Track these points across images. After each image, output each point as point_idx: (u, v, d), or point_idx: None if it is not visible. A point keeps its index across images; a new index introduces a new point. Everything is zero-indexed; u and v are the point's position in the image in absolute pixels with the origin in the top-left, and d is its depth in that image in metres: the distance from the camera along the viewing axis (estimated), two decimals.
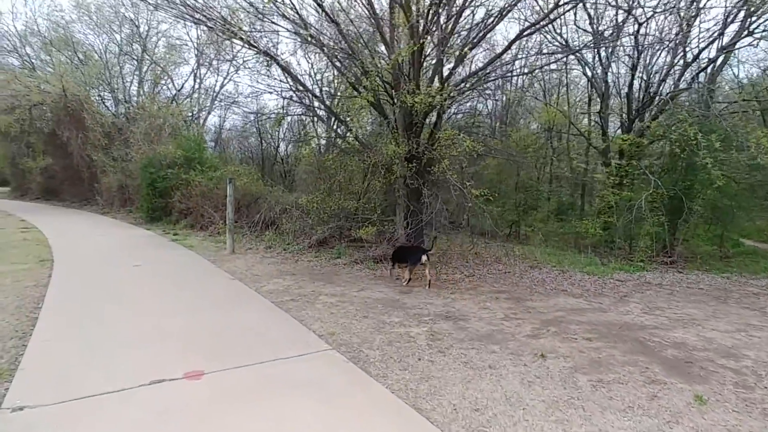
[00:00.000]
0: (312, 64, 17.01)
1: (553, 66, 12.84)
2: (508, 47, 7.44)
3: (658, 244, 8.77)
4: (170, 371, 3.36)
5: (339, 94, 10.15)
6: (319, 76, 17.04)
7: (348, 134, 9.17)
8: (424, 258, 6.33)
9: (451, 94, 6.64)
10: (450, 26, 7.71)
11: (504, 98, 16.11)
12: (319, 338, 4.23)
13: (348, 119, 9.47)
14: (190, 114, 21.36)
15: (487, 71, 7.77)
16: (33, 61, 22.04)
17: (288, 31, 7.86)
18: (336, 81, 13.70)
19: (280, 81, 11.24)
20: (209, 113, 22.78)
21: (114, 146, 17.07)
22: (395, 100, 7.92)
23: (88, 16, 20.94)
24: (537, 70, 11.17)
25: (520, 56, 11.06)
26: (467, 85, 7.05)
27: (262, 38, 9.38)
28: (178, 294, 5.75)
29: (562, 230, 10.85)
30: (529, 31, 7.27)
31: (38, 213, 16.68)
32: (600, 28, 11.45)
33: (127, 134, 16.87)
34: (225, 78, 22.03)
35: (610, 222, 9.12)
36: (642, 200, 8.54)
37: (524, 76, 14.05)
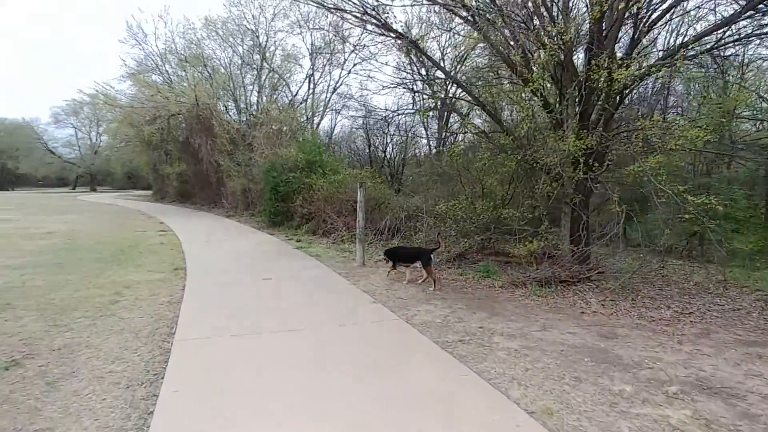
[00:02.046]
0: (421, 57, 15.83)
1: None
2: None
3: None
4: None
5: (481, 78, 8.68)
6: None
7: (499, 130, 7.70)
8: (432, 257, 6.46)
9: (666, 65, 4.85)
10: None
11: (655, 82, 13.24)
12: (531, 418, 2.88)
13: (500, 110, 8.01)
14: (304, 118, 21.71)
15: (710, 39, 5.76)
16: (171, 77, 24.25)
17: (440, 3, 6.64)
18: (465, 66, 12.26)
19: (410, 73, 10.14)
20: (322, 117, 23.02)
21: (238, 151, 17.74)
22: (563, 82, 6.30)
23: (215, 32, 22.48)
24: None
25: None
26: (678, 58, 5.18)
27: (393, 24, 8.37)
28: (319, 327, 4.80)
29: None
30: None
31: (173, 215, 17.91)
32: None
33: (249, 139, 17.41)
34: (338, 79, 22.13)
35: None
36: None
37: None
